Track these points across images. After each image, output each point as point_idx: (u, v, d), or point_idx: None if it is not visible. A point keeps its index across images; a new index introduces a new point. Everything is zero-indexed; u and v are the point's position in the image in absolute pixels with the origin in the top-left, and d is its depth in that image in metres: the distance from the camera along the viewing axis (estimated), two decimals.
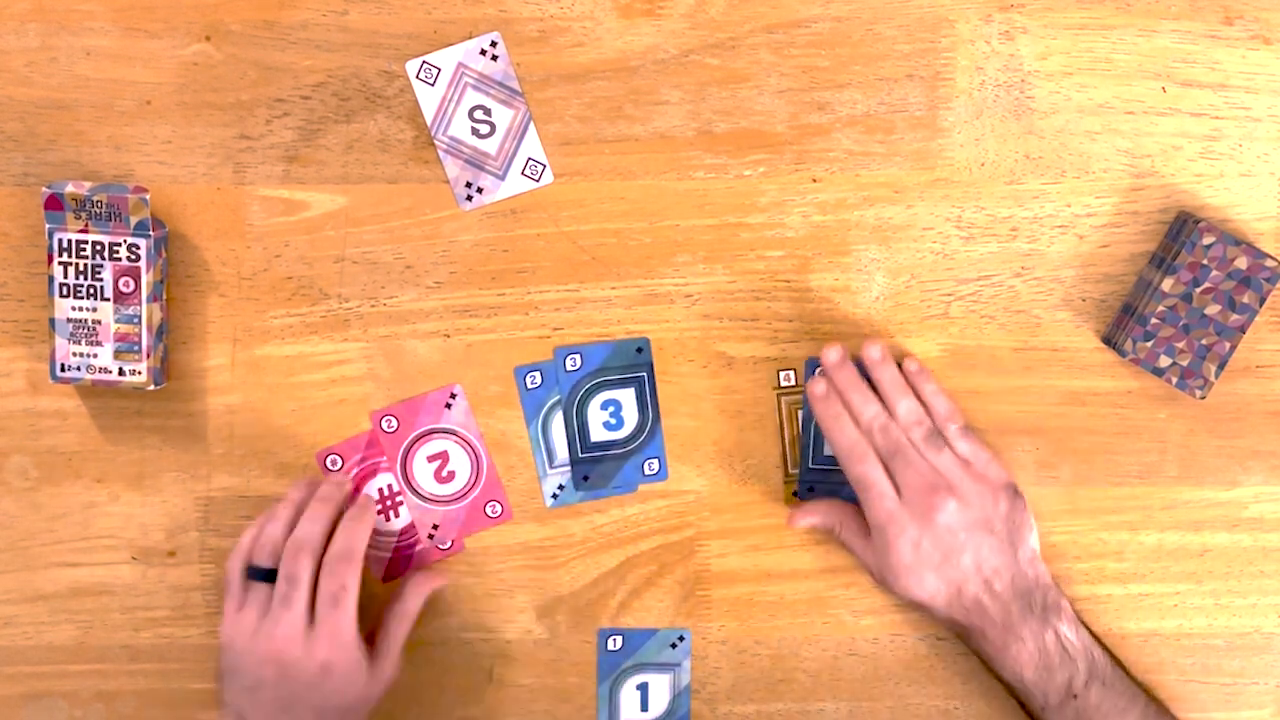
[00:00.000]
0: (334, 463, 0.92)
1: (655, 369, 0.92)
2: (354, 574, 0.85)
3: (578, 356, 0.92)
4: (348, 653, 0.84)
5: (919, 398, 0.88)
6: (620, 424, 0.93)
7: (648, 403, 0.92)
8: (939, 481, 0.86)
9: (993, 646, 0.87)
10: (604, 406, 0.92)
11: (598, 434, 0.93)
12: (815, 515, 0.91)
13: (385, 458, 0.92)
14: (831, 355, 0.89)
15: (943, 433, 0.88)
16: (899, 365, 0.89)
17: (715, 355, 0.92)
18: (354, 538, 0.86)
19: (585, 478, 0.93)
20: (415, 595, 0.90)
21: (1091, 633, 0.89)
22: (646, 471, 0.93)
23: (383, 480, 0.92)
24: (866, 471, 0.87)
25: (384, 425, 0.92)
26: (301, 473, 0.92)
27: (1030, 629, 0.86)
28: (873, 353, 0.89)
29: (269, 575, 0.85)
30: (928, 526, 0.86)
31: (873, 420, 0.87)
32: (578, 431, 0.92)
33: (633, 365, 0.92)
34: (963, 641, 0.91)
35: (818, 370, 0.90)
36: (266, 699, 0.84)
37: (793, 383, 0.92)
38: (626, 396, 0.92)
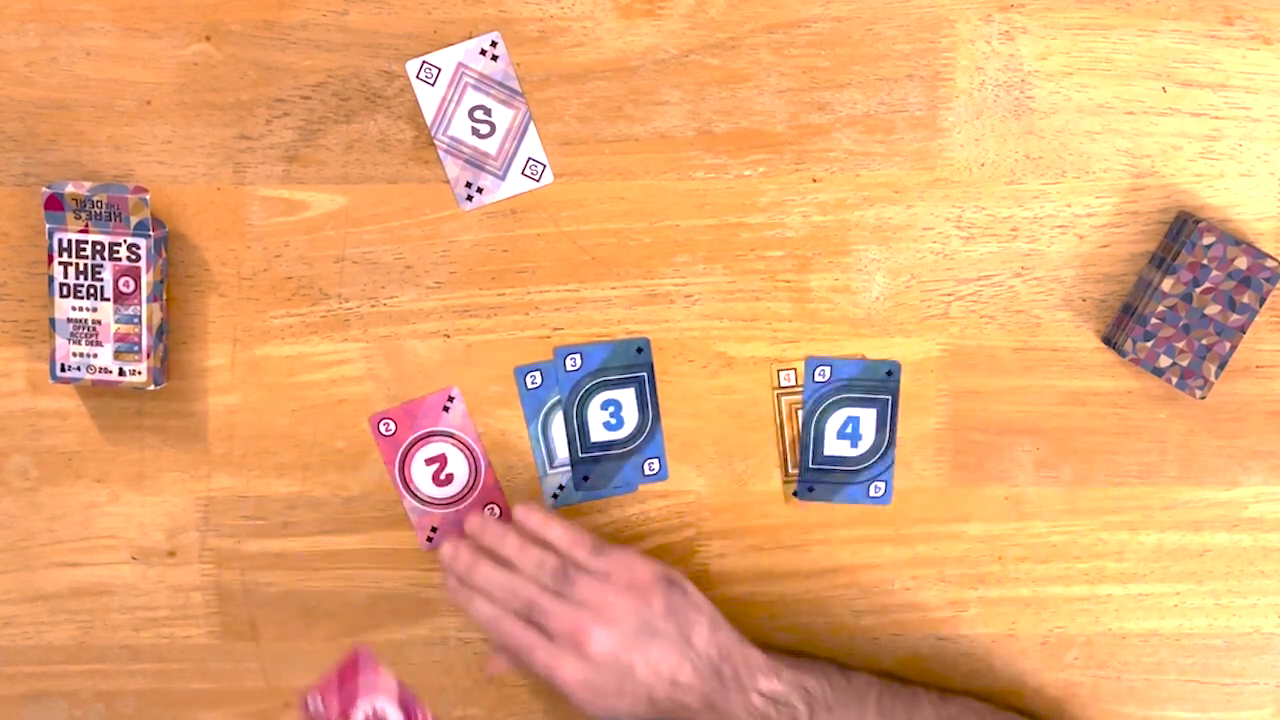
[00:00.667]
0: (387, 427, 0.92)
1: (655, 369, 0.92)
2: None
3: (578, 356, 0.92)
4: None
5: (542, 541, 0.87)
6: (620, 424, 0.93)
7: (648, 403, 0.92)
8: (579, 616, 0.84)
9: None
10: (604, 407, 0.92)
11: (598, 434, 0.93)
12: (499, 664, 0.90)
13: (438, 427, 0.92)
14: (445, 551, 0.88)
15: (575, 562, 0.86)
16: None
17: (715, 355, 0.92)
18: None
19: (585, 478, 0.93)
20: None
21: (807, 657, 0.89)
22: (646, 471, 0.93)
23: (433, 450, 0.93)
24: (510, 632, 0.85)
25: (381, 428, 0.92)
26: (301, 472, 0.92)
27: (737, 701, 0.85)
28: (471, 526, 0.89)
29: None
30: (587, 662, 0.83)
31: (502, 587, 0.86)
32: (578, 431, 0.92)
33: (633, 365, 0.92)
34: None
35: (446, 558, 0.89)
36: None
37: (793, 382, 0.92)
38: (626, 396, 0.92)
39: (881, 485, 0.93)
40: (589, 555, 0.86)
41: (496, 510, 0.93)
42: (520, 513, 0.88)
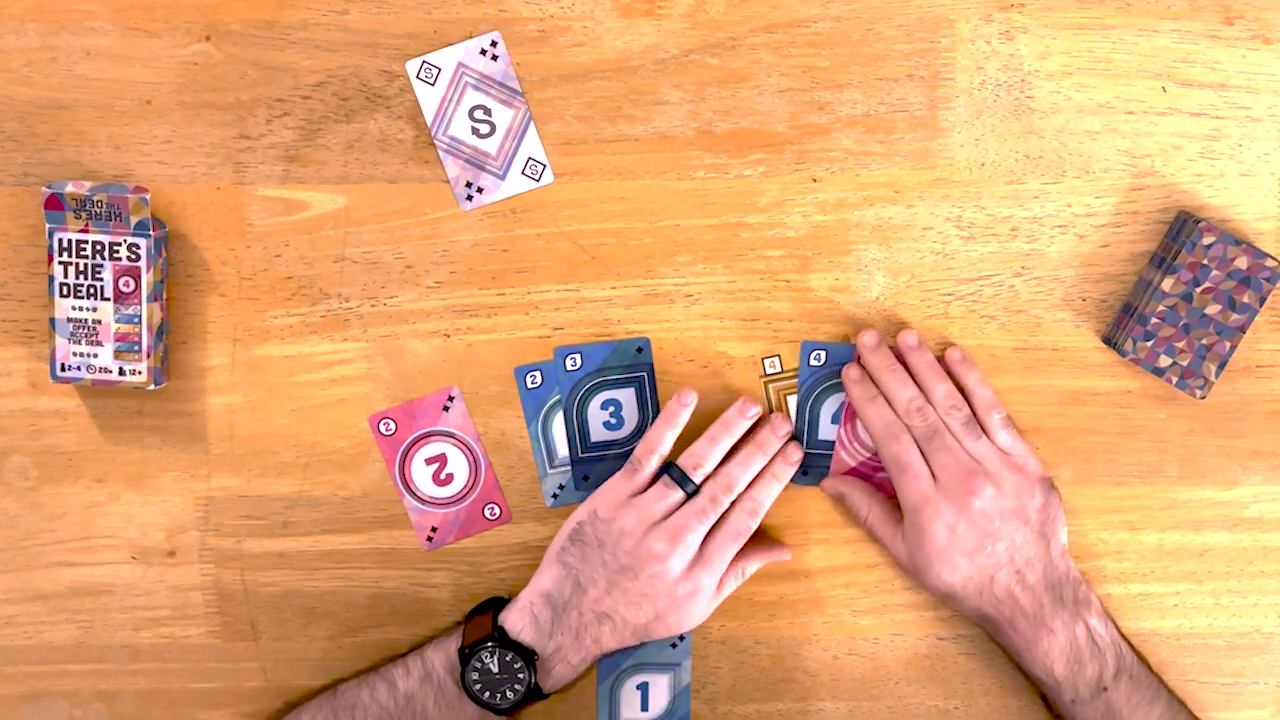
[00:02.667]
0: (387, 427, 0.92)
1: (655, 369, 0.92)
2: (757, 523, 0.88)
3: (578, 356, 0.92)
4: (714, 586, 0.87)
5: (961, 386, 0.89)
6: (621, 424, 0.93)
7: (648, 402, 0.92)
8: (975, 467, 0.86)
9: (1023, 640, 0.87)
10: (604, 406, 0.92)
11: (598, 434, 0.93)
12: (846, 488, 0.91)
13: (437, 426, 0.92)
14: (868, 339, 0.89)
15: (983, 421, 0.88)
16: (940, 355, 0.90)
17: (715, 355, 0.92)
18: (772, 493, 0.89)
19: (585, 478, 0.93)
20: (758, 560, 0.91)
21: (1118, 628, 0.89)
22: None
23: (433, 449, 0.93)
24: (902, 451, 0.87)
25: (381, 428, 0.92)
26: (301, 472, 0.92)
27: (1062, 621, 0.86)
28: (908, 339, 0.89)
29: (686, 484, 0.87)
30: (963, 511, 0.85)
31: (909, 402, 0.87)
32: (578, 431, 0.92)
33: (633, 365, 0.92)
34: (989, 635, 0.91)
35: (854, 356, 0.90)
36: (623, 585, 0.86)
37: (778, 369, 0.92)
38: (627, 396, 0.92)
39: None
40: (999, 425, 0.88)
41: (497, 510, 0.93)
42: (919, 340, 0.89)
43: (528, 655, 0.86)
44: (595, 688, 0.94)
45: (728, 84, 0.90)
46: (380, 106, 0.90)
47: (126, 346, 0.88)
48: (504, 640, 0.85)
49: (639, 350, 0.92)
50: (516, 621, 0.86)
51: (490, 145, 0.90)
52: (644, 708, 0.94)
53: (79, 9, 0.89)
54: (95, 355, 0.88)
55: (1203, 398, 0.89)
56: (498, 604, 0.89)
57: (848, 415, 0.92)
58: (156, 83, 0.90)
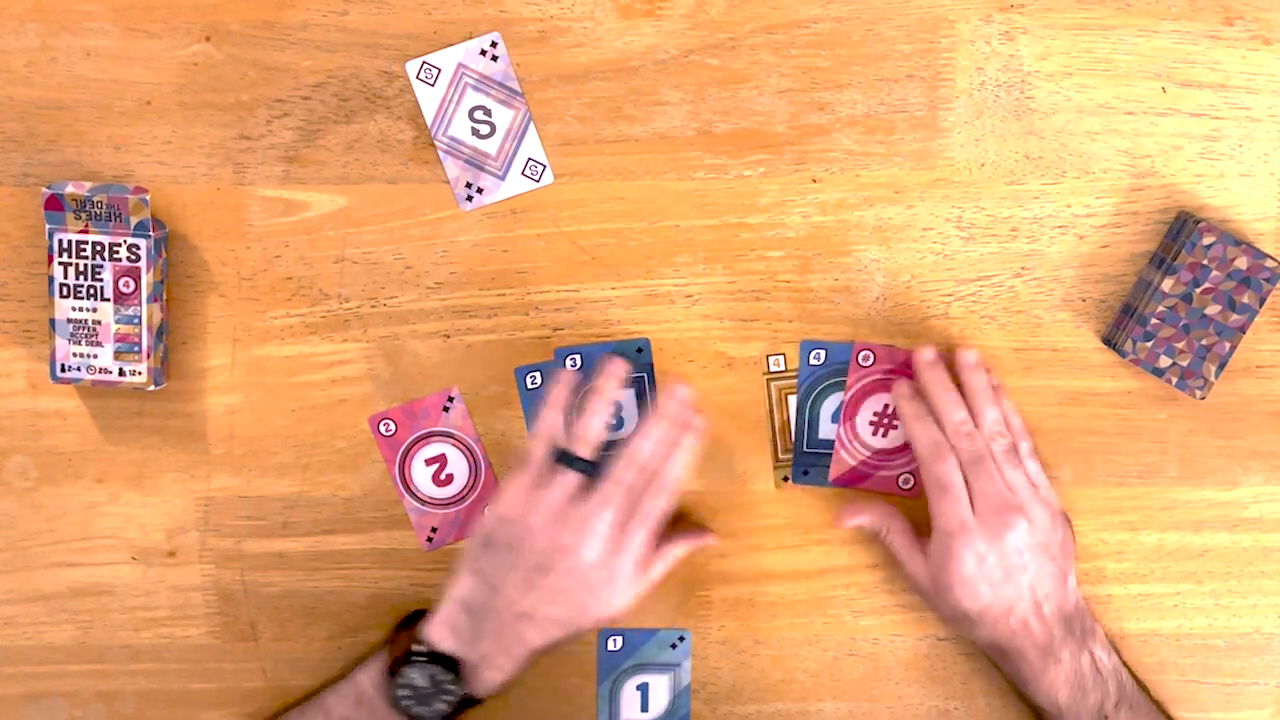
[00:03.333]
0: (387, 428, 0.92)
1: (655, 369, 0.92)
2: (671, 501, 0.87)
3: (578, 357, 0.92)
4: (634, 571, 0.86)
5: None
6: (621, 424, 0.92)
7: (648, 403, 0.92)
8: (1013, 499, 0.86)
9: (1031, 668, 0.87)
10: None
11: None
12: (865, 515, 0.91)
13: (437, 427, 0.92)
14: (926, 355, 0.89)
15: (1018, 451, 0.88)
16: (951, 364, 0.90)
17: (715, 355, 0.92)
18: (682, 467, 0.88)
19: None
20: (684, 545, 0.90)
21: (1120, 656, 0.90)
22: None
23: (433, 450, 0.93)
24: (947, 473, 0.86)
25: (382, 429, 0.92)
26: (301, 472, 0.92)
27: (1069, 650, 0.87)
28: (968, 357, 0.89)
29: (584, 466, 0.86)
30: (996, 542, 0.85)
31: (960, 425, 0.87)
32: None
33: (633, 366, 0.92)
34: (996, 663, 0.91)
35: (913, 370, 0.90)
36: (538, 583, 0.84)
37: (782, 368, 0.92)
38: (626, 397, 0.92)
39: (911, 479, 0.93)
40: (1029, 454, 0.88)
41: None
42: (979, 360, 0.89)
43: (452, 665, 0.85)
44: (595, 688, 0.94)
45: (728, 84, 0.90)
46: (380, 107, 0.90)
47: (126, 347, 0.88)
48: (427, 654, 0.85)
49: (639, 350, 0.92)
50: (437, 633, 0.86)
51: (490, 146, 0.90)
52: (644, 708, 0.94)
53: (79, 9, 0.89)
54: (95, 356, 0.88)
55: (1203, 398, 0.89)
56: (420, 617, 0.88)
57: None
58: (156, 83, 0.90)
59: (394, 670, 0.85)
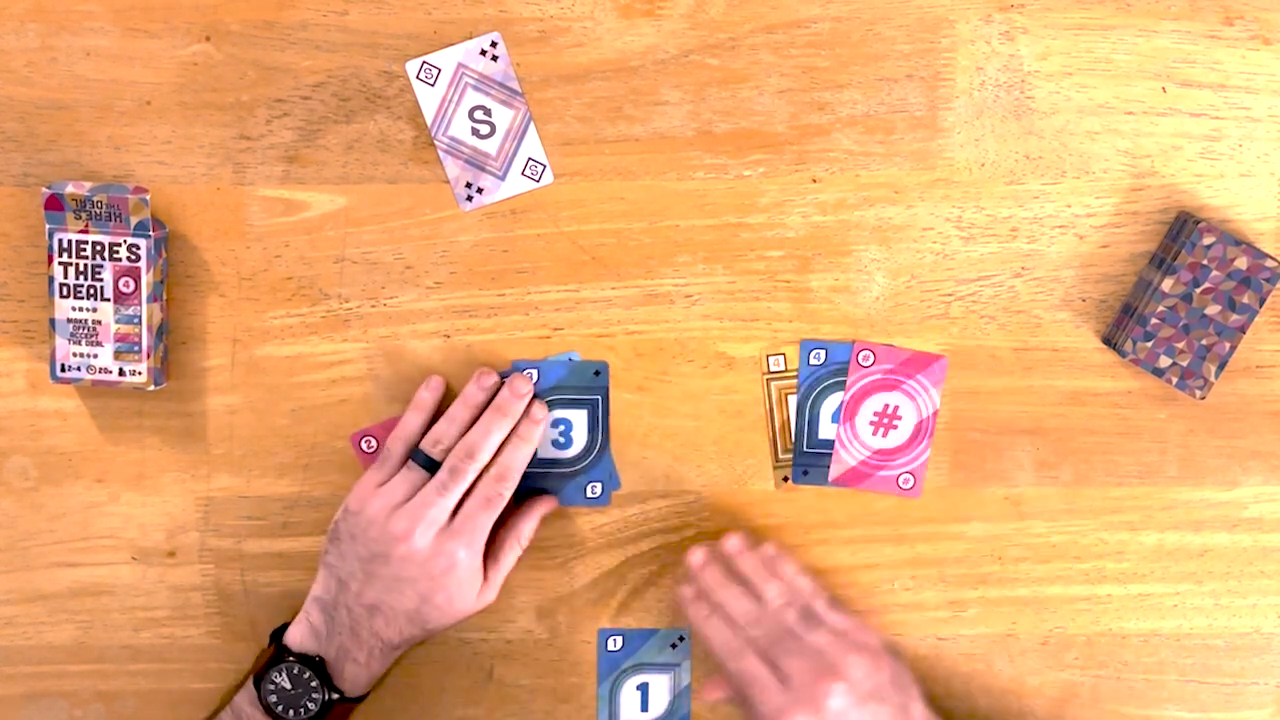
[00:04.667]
0: (369, 444, 0.92)
1: (654, 371, 0.92)
2: (510, 488, 0.87)
3: (534, 372, 0.91)
4: (473, 559, 0.86)
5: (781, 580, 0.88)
6: (569, 444, 0.92)
7: (599, 425, 0.92)
8: (823, 665, 0.84)
9: None
10: (554, 425, 0.92)
11: (544, 450, 0.92)
12: (720, 690, 0.89)
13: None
14: (695, 559, 0.90)
15: (813, 611, 0.87)
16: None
17: (715, 355, 0.92)
18: (520, 456, 0.88)
19: (530, 489, 0.92)
20: (530, 520, 0.90)
21: None
22: (589, 494, 0.93)
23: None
24: (747, 666, 0.84)
25: (363, 445, 0.92)
26: (301, 473, 0.92)
27: None
28: (730, 545, 0.90)
29: (431, 466, 0.87)
30: (819, 714, 0.82)
31: (746, 615, 0.86)
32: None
33: (589, 387, 0.91)
34: None
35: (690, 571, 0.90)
36: (379, 573, 0.85)
37: (782, 368, 0.92)
38: (579, 417, 0.92)
39: (911, 478, 0.93)
40: (826, 608, 0.87)
41: None
42: (743, 543, 0.89)
43: (313, 663, 0.85)
44: (595, 688, 0.94)
45: (728, 84, 0.90)
46: (380, 107, 0.90)
47: (126, 347, 0.88)
48: (288, 653, 0.85)
49: (597, 373, 0.92)
50: (295, 634, 0.86)
51: (490, 146, 0.90)
52: (644, 708, 0.94)
53: (79, 9, 0.89)
54: (95, 356, 0.88)
55: (1203, 398, 0.89)
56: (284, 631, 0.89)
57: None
58: (156, 83, 0.90)
59: (260, 677, 0.86)
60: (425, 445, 0.87)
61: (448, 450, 0.87)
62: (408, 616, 0.86)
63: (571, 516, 0.93)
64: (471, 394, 0.89)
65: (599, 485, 0.93)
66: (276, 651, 0.86)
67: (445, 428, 0.88)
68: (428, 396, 0.90)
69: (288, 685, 0.85)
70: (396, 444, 0.89)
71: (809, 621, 0.86)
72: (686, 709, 0.95)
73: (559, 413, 0.92)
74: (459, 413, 0.89)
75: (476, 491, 0.87)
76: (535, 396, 0.91)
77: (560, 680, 0.94)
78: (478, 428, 0.88)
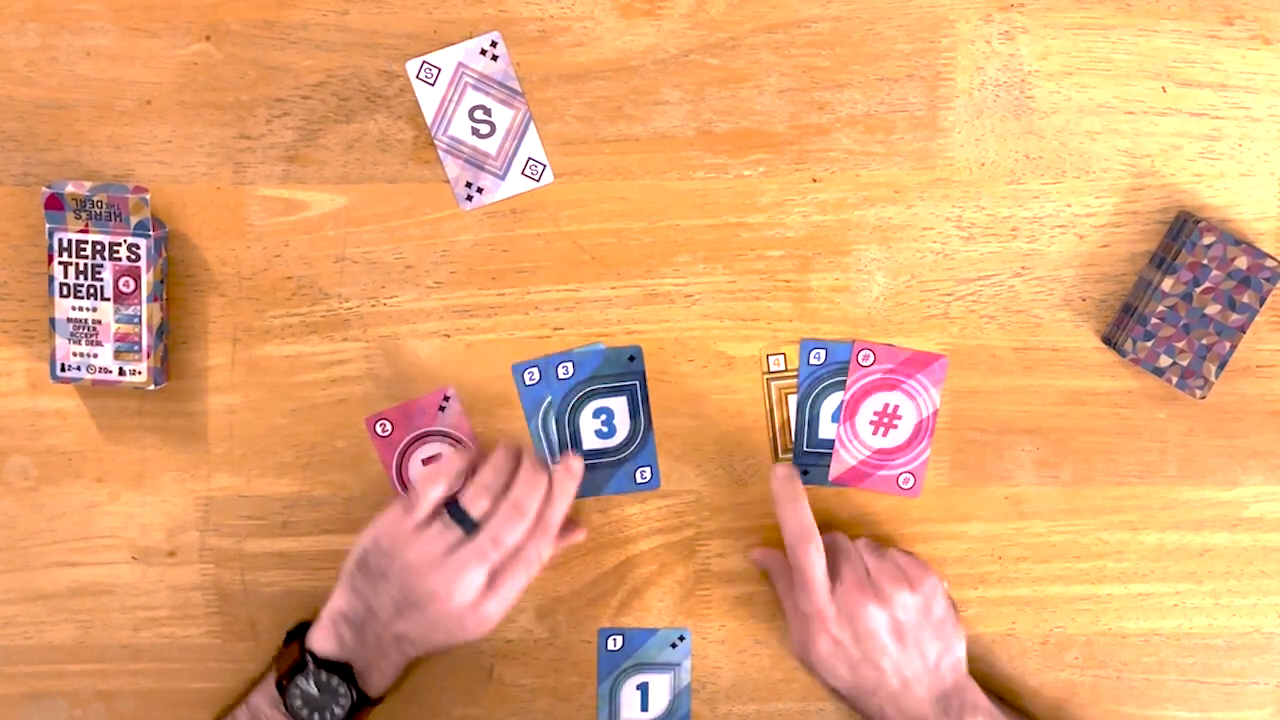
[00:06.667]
0: (384, 428, 0.92)
1: (654, 371, 0.92)
2: (550, 549, 0.88)
3: (570, 364, 0.92)
4: (501, 609, 0.86)
5: None
6: (613, 432, 0.92)
7: (639, 411, 0.92)
8: (870, 585, 0.87)
9: None
10: (596, 415, 0.92)
11: (590, 442, 0.92)
12: (770, 561, 0.92)
13: (434, 426, 0.92)
14: (780, 471, 0.90)
15: (880, 545, 0.90)
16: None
17: (715, 355, 0.92)
18: (560, 513, 0.88)
19: None
20: (557, 547, 0.90)
21: (1018, 711, 0.91)
22: (638, 479, 0.93)
23: (430, 450, 0.93)
24: (810, 555, 0.86)
25: (378, 429, 0.92)
26: (301, 472, 0.92)
27: None
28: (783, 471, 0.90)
29: (470, 526, 0.86)
30: (851, 626, 0.86)
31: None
32: (570, 439, 0.92)
33: (625, 373, 0.92)
34: None
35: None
36: (410, 615, 0.85)
37: (782, 368, 0.92)
38: (619, 405, 0.92)
39: (911, 478, 0.93)
40: (897, 550, 0.90)
41: None
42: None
43: (343, 670, 0.86)
44: (595, 688, 0.94)
45: (728, 84, 0.90)
46: (380, 106, 0.90)
47: (126, 346, 0.88)
48: (316, 661, 0.86)
49: (631, 359, 0.92)
50: (323, 642, 0.86)
51: (490, 145, 0.90)
52: (644, 708, 0.94)
53: (79, 9, 0.89)
54: (95, 355, 0.88)
55: (1203, 398, 0.89)
56: (300, 632, 0.89)
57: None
58: (156, 83, 0.90)
59: (285, 683, 0.86)
60: (465, 501, 0.87)
61: (484, 508, 0.86)
62: (433, 645, 0.87)
63: (570, 516, 0.93)
64: (502, 463, 0.88)
65: (648, 470, 0.93)
66: (302, 657, 0.86)
67: (484, 489, 0.87)
68: (475, 453, 0.89)
69: (315, 691, 0.85)
70: (431, 488, 0.87)
71: (875, 548, 0.89)
72: (686, 709, 0.95)
73: (599, 402, 0.92)
74: (502, 462, 0.88)
75: (521, 553, 0.86)
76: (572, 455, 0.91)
77: (560, 680, 0.94)
78: (522, 481, 0.87)
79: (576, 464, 0.89)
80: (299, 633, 0.89)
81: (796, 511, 0.87)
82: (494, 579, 0.86)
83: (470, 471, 0.88)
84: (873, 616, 0.86)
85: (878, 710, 0.87)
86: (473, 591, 0.85)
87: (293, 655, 0.87)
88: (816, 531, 0.87)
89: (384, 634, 0.86)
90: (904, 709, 0.87)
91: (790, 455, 0.93)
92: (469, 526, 0.86)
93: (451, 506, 0.87)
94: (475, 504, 0.86)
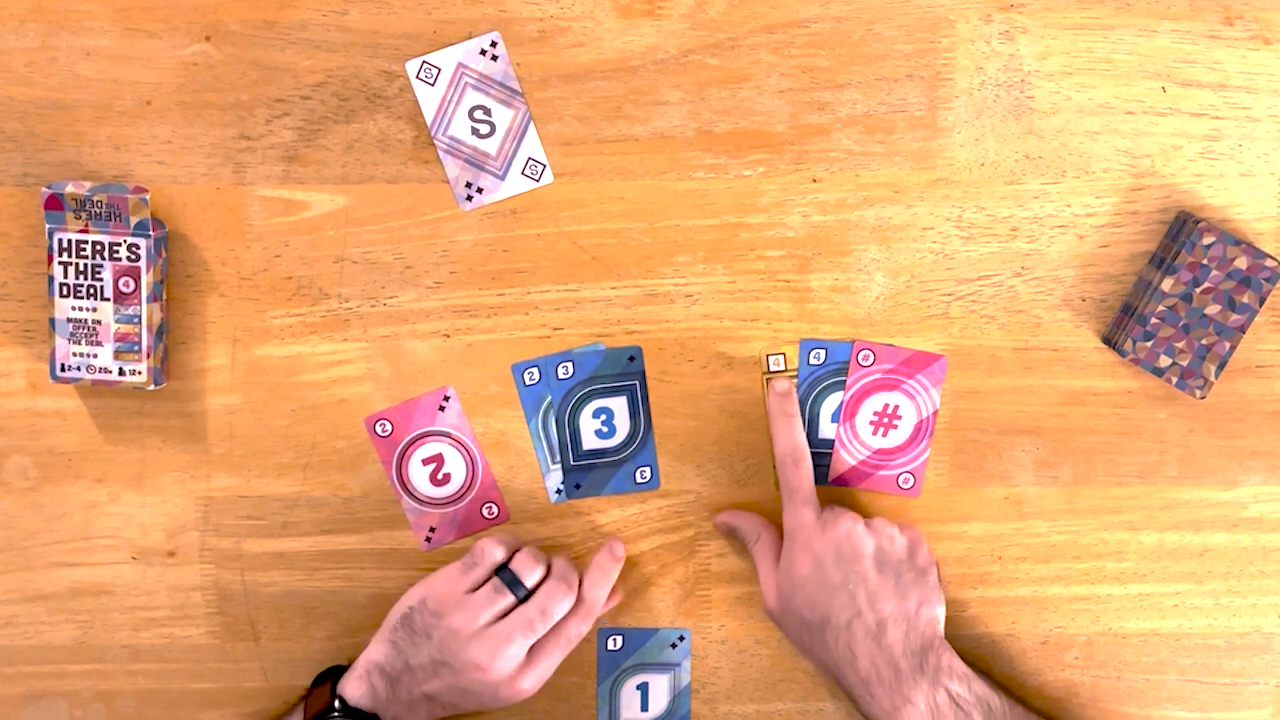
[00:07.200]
0: (383, 428, 0.92)
1: (654, 371, 0.92)
2: (590, 625, 0.90)
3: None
4: (536, 684, 0.88)
5: None
6: (613, 432, 0.92)
7: (639, 411, 0.92)
8: (863, 517, 0.88)
9: (881, 709, 0.86)
10: (596, 415, 0.92)
11: (590, 442, 0.92)
12: (738, 520, 0.92)
13: (434, 426, 0.92)
14: (784, 384, 0.91)
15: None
16: None
17: (715, 355, 0.92)
18: (603, 590, 0.90)
19: (578, 485, 0.93)
20: (582, 624, 0.90)
21: (994, 682, 0.89)
22: (638, 479, 0.93)
23: (430, 450, 0.93)
24: (800, 469, 0.88)
25: (378, 429, 0.92)
26: (301, 472, 0.92)
27: (922, 691, 0.85)
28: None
29: (522, 594, 0.88)
30: (837, 545, 0.86)
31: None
32: (570, 439, 0.92)
33: (625, 374, 0.92)
34: (856, 707, 0.89)
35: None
36: (446, 678, 0.86)
37: (782, 368, 0.92)
38: (619, 405, 0.92)
39: (911, 478, 0.93)
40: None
41: (495, 510, 0.93)
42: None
43: None
44: (595, 688, 0.94)
45: (728, 84, 0.90)
46: (380, 106, 0.90)
47: (126, 347, 0.88)
48: (345, 709, 0.86)
49: (631, 359, 0.92)
50: (355, 690, 0.87)
51: (490, 145, 0.90)
52: (644, 708, 0.94)
53: (79, 9, 0.89)
54: (95, 355, 0.88)
55: (1203, 398, 0.89)
56: (334, 675, 0.89)
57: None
58: (156, 83, 0.90)
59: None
60: (518, 568, 0.88)
61: (537, 578, 0.88)
62: (463, 710, 0.89)
63: (570, 516, 0.93)
64: (538, 550, 0.90)
65: (648, 470, 0.93)
66: (332, 701, 0.86)
67: (537, 553, 0.89)
68: (519, 540, 0.92)
69: None
70: (494, 549, 0.89)
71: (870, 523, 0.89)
72: (686, 709, 0.95)
73: (599, 402, 0.92)
74: (540, 554, 0.90)
75: (563, 630, 0.88)
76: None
77: (560, 680, 0.94)
78: (564, 563, 0.90)
79: (619, 548, 0.91)
80: (327, 676, 0.90)
81: (790, 429, 0.89)
82: (533, 654, 0.87)
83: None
84: (859, 536, 0.86)
85: (846, 651, 0.86)
86: (512, 665, 0.86)
87: (324, 698, 0.87)
88: (808, 451, 0.88)
89: (415, 691, 0.87)
90: (876, 652, 0.86)
91: None
92: (520, 592, 0.87)
93: (503, 571, 0.88)
94: (530, 571, 0.88)
